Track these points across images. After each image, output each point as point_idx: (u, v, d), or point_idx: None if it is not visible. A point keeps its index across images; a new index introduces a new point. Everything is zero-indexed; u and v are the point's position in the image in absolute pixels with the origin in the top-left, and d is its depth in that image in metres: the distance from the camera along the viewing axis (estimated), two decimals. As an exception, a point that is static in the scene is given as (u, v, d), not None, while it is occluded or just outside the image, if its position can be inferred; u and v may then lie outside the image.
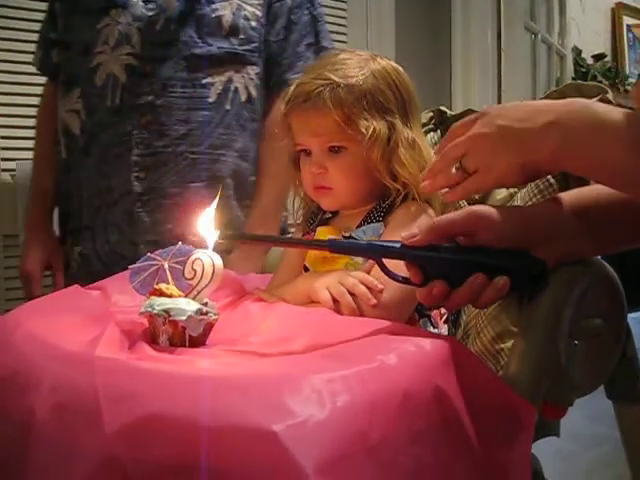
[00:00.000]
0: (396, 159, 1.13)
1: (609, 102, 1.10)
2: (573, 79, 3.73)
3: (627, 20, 4.36)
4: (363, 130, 1.11)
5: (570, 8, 3.64)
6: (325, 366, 0.75)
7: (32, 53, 1.73)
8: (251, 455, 0.62)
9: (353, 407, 0.67)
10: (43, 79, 1.72)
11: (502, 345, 1.01)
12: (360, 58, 1.17)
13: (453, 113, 1.40)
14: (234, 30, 1.48)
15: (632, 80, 4.18)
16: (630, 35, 4.38)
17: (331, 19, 2.65)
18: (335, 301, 1.04)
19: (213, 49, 1.47)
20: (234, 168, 1.52)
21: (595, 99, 1.11)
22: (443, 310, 1.17)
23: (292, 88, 1.17)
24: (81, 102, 1.50)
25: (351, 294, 1.03)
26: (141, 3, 1.44)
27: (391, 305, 1.04)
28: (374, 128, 1.11)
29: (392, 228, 1.12)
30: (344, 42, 2.65)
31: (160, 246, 1.42)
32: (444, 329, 1.16)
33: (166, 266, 1.00)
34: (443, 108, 1.43)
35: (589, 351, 0.95)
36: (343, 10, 2.71)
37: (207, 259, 0.95)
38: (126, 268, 1.22)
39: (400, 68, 1.19)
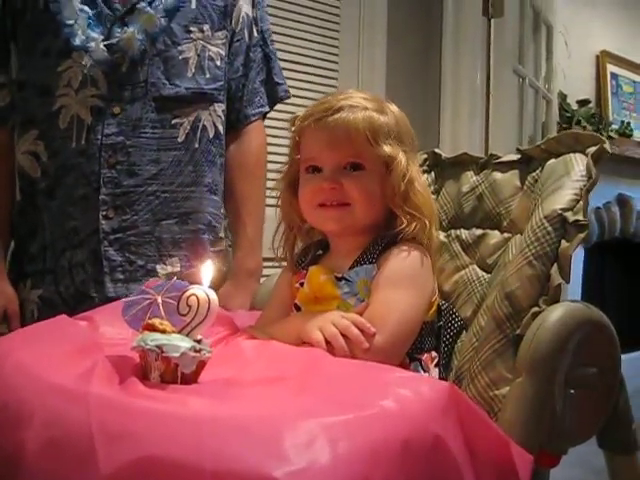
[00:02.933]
0: (413, 190, 1.13)
1: (606, 152, 1.11)
2: (558, 123, 3.78)
3: (611, 68, 4.44)
4: (389, 152, 1.13)
5: (557, 54, 3.69)
6: (324, 410, 0.74)
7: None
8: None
9: (354, 454, 0.66)
10: None
11: (497, 392, 1.01)
12: (377, 97, 1.21)
13: (448, 156, 1.41)
14: (200, 70, 1.50)
15: (615, 127, 4.23)
16: (614, 82, 4.45)
17: (323, 56, 2.68)
18: (327, 342, 1.03)
19: (181, 90, 1.48)
20: (204, 203, 1.52)
21: (592, 149, 1.12)
22: (434, 354, 1.16)
23: (315, 105, 1.18)
24: (42, 144, 1.49)
25: (343, 336, 1.03)
26: (101, 46, 1.44)
27: (384, 349, 1.03)
28: (398, 155, 1.13)
29: (388, 268, 1.11)
30: (335, 87, 2.67)
31: (128, 283, 1.44)
32: (435, 373, 1.15)
33: (159, 300, 0.98)
34: (438, 150, 1.44)
35: (583, 400, 0.94)
36: (335, 55, 2.73)
37: (202, 295, 0.94)
38: (87, 310, 1.22)
39: None
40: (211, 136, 1.53)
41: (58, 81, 1.45)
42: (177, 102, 1.48)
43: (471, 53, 2.92)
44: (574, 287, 3.52)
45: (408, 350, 1.10)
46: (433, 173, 1.42)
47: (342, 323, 1.03)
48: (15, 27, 1.51)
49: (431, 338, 1.16)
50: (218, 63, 1.53)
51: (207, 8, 1.52)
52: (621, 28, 4.58)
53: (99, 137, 1.44)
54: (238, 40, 1.58)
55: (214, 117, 1.53)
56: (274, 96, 1.65)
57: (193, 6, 1.50)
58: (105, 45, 1.44)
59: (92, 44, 1.44)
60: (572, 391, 0.91)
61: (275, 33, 2.49)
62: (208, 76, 1.51)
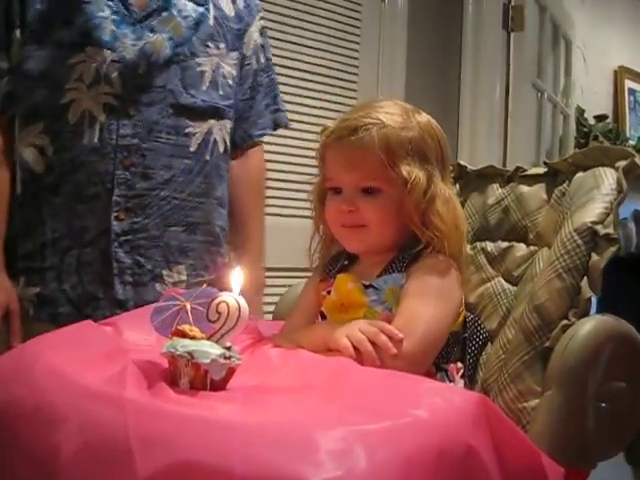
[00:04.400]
0: (432, 210, 1.13)
1: (637, 166, 1.11)
2: (575, 139, 3.77)
3: (629, 83, 4.43)
4: (405, 174, 1.12)
5: (575, 69, 3.69)
6: (357, 418, 0.73)
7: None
8: (288, 508, 0.61)
9: (390, 463, 0.66)
10: None
11: (525, 404, 1.00)
12: (404, 107, 1.19)
13: (473, 168, 1.41)
14: (214, 85, 1.51)
15: (632, 142, 4.22)
16: (631, 98, 4.44)
17: (344, 67, 2.69)
18: (355, 349, 1.02)
19: (197, 101, 1.49)
20: (214, 215, 1.54)
21: (622, 162, 1.12)
22: (459, 365, 1.16)
23: (337, 122, 1.18)
24: (47, 138, 1.48)
25: (372, 343, 1.02)
26: (130, 46, 1.44)
27: (411, 355, 1.03)
28: (416, 175, 1.12)
29: (417, 278, 1.11)
30: (355, 99, 2.67)
31: (136, 287, 1.43)
32: (460, 384, 1.14)
33: (188, 307, 0.98)
34: (462, 162, 1.44)
35: (613, 414, 0.94)
36: (355, 67, 2.73)
37: (233, 302, 0.94)
38: (94, 312, 1.21)
39: (438, 126, 1.20)
40: (221, 151, 1.54)
41: (69, 74, 1.43)
42: (192, 112, 1.49)
43: (490, 66, 2.92)
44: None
45: (435, 360, 1.09)
46: (458, 185, 1.42)
47: (370, 330, 1.03)
48: (24, 14, 1.47)
49: (457, 349, 1.15)
50: (230, 82, 1.55)
51: (223, 28, 1.55)
52: (639, 43, 4.57)
53: (114, 137, 1.43)
54: (248, 64, 1.61)
55: (224, 132, 1.55)
56: (277, 121, 1.68)
57: (211, 23, 1.52)
58: (132, 45, 1.44)
59: (125, 42, 1.43)
60: (602, 405, 0.91)
61: (295, 44, 2.54)
62: (221, 93, 1.53)
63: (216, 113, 1.52)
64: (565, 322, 1.01)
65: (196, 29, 1.50)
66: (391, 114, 1.16)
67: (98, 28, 1.43)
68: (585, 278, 1.03)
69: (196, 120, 1.49)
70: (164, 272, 1.47)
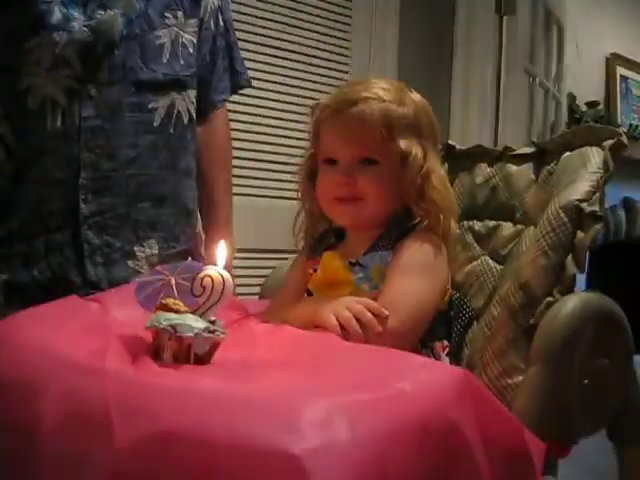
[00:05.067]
0: (428, 184, 1.13)
1: (623, 145, 1.11)
2: (567, 124, 3.77)
3: (621, 70, 4.43)
4: (404, 147, 1.12)
5: (567, 55, 3.68)
6: (340, 390, 0.73)
7: None
8: (269, 477, 0.60)
9: (372, 434, 0.66)
10: None
11: (509, 381, 1.00)
12: (398, 84, 1.20)
13: (462, 148, 1.40)
14: (174, 57, 1.50)
15: (623, 129, 4.22)
16: (623, 85, 4.44)
17: (335, 49, 2.67)
18: (342, 327, 1.02)
19: (158, 75, 1.47)
20: (180, 186, 1.53)
21: (609, 141, 1.12)
22: (445, 342, 1.16)
23: (332, 96, 1.19)
24: (6, 125, 1.47)
25: (357, 320, 1.02)
26: (76, 25, 1.42)
27: (397, 332, 1.03)
28: (414, 149, 1.13)
29: (404, 254, 1.11)
30: (346, 80, 2.66)
31: (108, 266, 1.42)
32: (446, 361, 1.14)
33: (173, 281, 0.97)
34: (451, 142, 1.44)
35: (596, 391, 0.94)
36: (347, 49, 2.72)
37: (217, 276, 0.93)
38: (66, 294, 1.20)
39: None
40: (185, 122, 1.53)
41: (25, 59, 1.41)
42: (153, 87, 1.47)
43: (483, 50, 2.91)
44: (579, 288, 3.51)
45: (421, 337, 1.09)
46: (447, 164, 1.41)
47: (356, 307, 1.03)
48: None
49: (443, 327, 1.15)
50: (190, 50, 1.53)
51: None
52: (631, 31, 4.57)
53: (77, 119, 1.42)
54: (206, 29, 1.58)
55: (187, 103, 1.53)
56: (236, 84, 1.66)
57: None
58: (85, 25, 1.42)
59: (74, 24, 1.41)
60: (585, 381, 0.91)
61: (288, 25, 2.53)
62: (182, 62, 1.51)
63: (178, 84, 1.51)
64: (549, 299, 1.01)
65: (149, 1, 1.47)
66: (387, 90, 1.16)
67: (47, 12, 1.41)
68: (570, 255, 1.04)
69: (159, 94, 1.47)
70: (135, 248, 1.46)
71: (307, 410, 0.67)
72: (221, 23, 1.62)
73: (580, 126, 1.23)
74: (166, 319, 0.88)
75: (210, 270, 0.94)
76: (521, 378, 0.98)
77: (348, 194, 1.15)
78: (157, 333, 0.89)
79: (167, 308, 0.91)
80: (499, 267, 1.24)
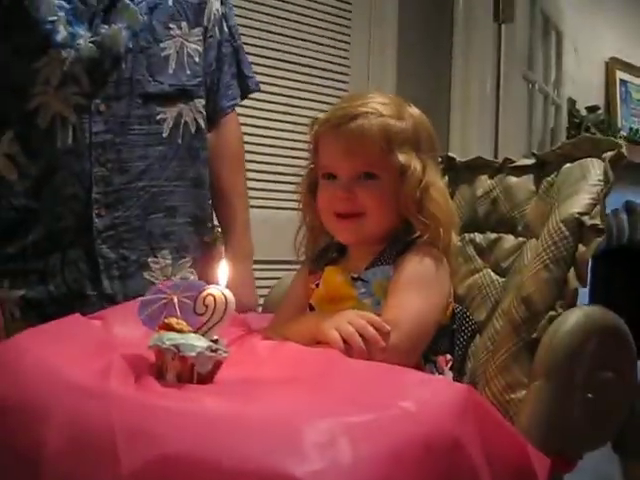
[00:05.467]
0: (428, 198, 1.13)
1: (623, 157, 1.11)
2: (567, 130, 3.77)
3: (620, 74, 4.43)
4: (403, 161, 1.13)
5: (566, 60, 3.69)
6: (343, 410, 0.73)
7: None
8: (273, 500, 0.60)
9: (376, 455, 0.66)
10: None
11: (512, 395, 1.00)
12: (396, 99, 1.20)
13: (462, 160, 1.41)
14: (180, 67, 1.51)
15: (624, 133, 4.22)
16: (623, 89, 4.44)
17: (334, 59, 2.68)
18: (344, 342, 1.02)
19: (165, 87, 1.49)
20: (188, 197, 1.54)
21: (609, 153, 1.12)
22: (448, 356, 1.16)
23: (331, 111, 1.19)
24: (17, 145, 1.47)
25: (360, 335, 1.02)
26: (82, 42, 1.43)
27: (399, 347, 1.03)
28: (413, 163, 1.13)
29: (406, 269, 1.11)
30: (345, 91, 2.66)
31: (124, 280, 1.43)
32: (449, 375, 1.14)
33: (175, 300, 0.98)
34: (451, 154, 1.44)
35: (600, 405, 0.94)
36: (346, 59, 2.72)
37: (219, 295, 0.93)
38: (82, 308, 1.21)
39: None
40: (193, 131, 1.54)
41: (34, 79, 1.42)
42: (161, 98, 1.48)
43: (481, 58, 2.92)
44: (581, 295, 3.50)
45: (423, 352, 1.09)
46: (447, 177, 1.41)
47: (358, 322, 1.03)
48: None
49: (445, 341, 1.15)
50: (197, 59, 1.54)
51: (182, 5, 1.53)
52: (631, 35, 4.57)
53: (87, 135, 1.43)
54: (211, 36, 1.59)
55: (195, 113, 1.54)
56: (245, 88, 1.67)
57: (170, 3, 1.51)
58: (91, 42, 1.43)
59: (80, 41, 1.42)
60: (589, 395, 0.91)
61: (285, 36, 2.54)
62: (188, 72, 1.52)
63: (185, 94, 1.52)
64: (552, 313, 1.01)
65: (154, 12, 1.48)
66: (386, 104, 1.17)
67: (53, 31, 1.41)
68: (572, 269, 1.03)
69: (166, 105, 1.49)
70: (149, 260, 1.47)
71: (310, 431, 0.67)
72: (226, 29, 1.63)
73: (580, 137, 1.22)
74: (169, 339, 0.89)
75: (212, 289, 0.94)
76: (524, 393, 0.98)
77: (348, 209, 1.15)
78: (160, 353, 0.89)
79: (170, 327, 0.91)
80: (501, 280, 1.24)
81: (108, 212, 1.44)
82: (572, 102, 3.94)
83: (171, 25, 1.51)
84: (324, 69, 2.66)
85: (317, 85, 2.62)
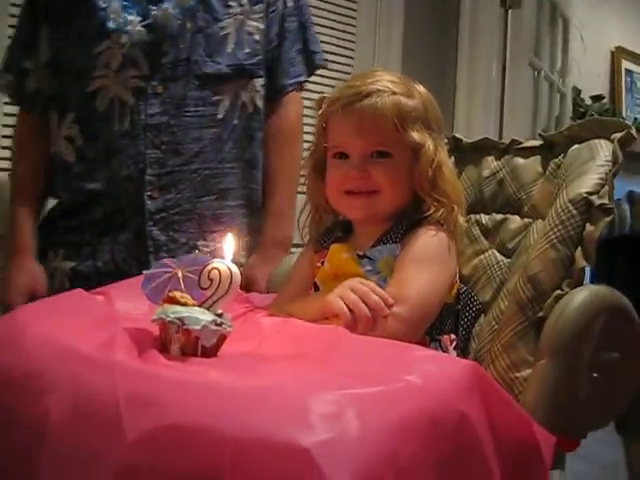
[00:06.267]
0: (441, 176, 1.13)
1: (632, 137, 1.10)
2: (571, 119, 3.75)
3: (626, 64, 4.41)
4: (417, 139, 1.12)
5: (572, 49, 3.67)
6: (350, 383, 0.73)
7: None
8: (279, 470, 0.60)
9: (383, 427, 0.66)
10: None
11: (517, 374, 1.00)
12: (404, 77, 1.20)
13: (469, 141, 1.40)
14: (239, 46, 1.49)
15: (628, 123, 4.20)
16: (628, 79, 4.42)
17: (340, 42, 2.67)
18: (350, 310, 1.01)
19: (222, 67, 1.48)
20: (244, 178, 1.53)
21: (618, 134, 1.11)
22: (453, 336, 1.15)
23: (339, 90, 1.17)
24: (76, 128, 1.48)
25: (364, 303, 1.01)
26: (139, 27, 1.43)
27: (404, 320, 1.02)
28: (426, 141, 1.12)
29: (413, 246, 1.10)
30: (350, 73, 2.65)
31: None
32: (453, 354, 1.14)
33: (180, 274, 0.97)
34: (458, 135, 1.43)
35: (605, 384, 0.93)
36: (351, 42, 2.71)
37: (224, 269, 0.93)
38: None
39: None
40: (250, 111, 1.53)
41: (95, 63, 1.45)
42: (218, 79, 1.48)
43: (487, 44, 2.90)
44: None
45: (428, 331, 1.09)
46: (453, 157, 1.40)
47: (362, 290, 1.02)
48: (48, 11, 1.50)
49: (450, 320, 1.15)
50: (257, 37, 1.52)
51: None
52: (637, 24, 4.55)
53: (143, 117, 1.44)
54: (273, 10, 1.56)
55: (253, 93, 1.53)
56: (311, 64, 1.63)
57: None
58: (143, 25, 1.43)
59: (129, 27, 1.42)
60: (595, 375, 0.91)
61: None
62: (247, 51, 1.51)
63: (243, 74, 1.51)
64: (558, 292, 1.00)
65: None
66: (396, 82, 1.16)
67: (105, 19, 1.44)
68: (579, 248, 1.03)
69: (223, 86, 1.48)
70: (199, 243, 1.48)
71: (317, 403, 0.67)
72: (291, 3, 1.59)
73: (588, 119, 1.22)
74: (173, 312, 0.88)
75: (217, 263, 0.94)
76: (529, 371, 0.97)
77: (362, 187, 1.14)
78: (164, 326, 0.89)
79: (174, 301, 0.91)
80: (506, 261, 1.24)
81: (160, 194, 1.45)
82: (577, 91, 3.93)
83: (231, 3, 1.49)
84: (330, 52, 2.64)
85: (323, 69, 2.60)
